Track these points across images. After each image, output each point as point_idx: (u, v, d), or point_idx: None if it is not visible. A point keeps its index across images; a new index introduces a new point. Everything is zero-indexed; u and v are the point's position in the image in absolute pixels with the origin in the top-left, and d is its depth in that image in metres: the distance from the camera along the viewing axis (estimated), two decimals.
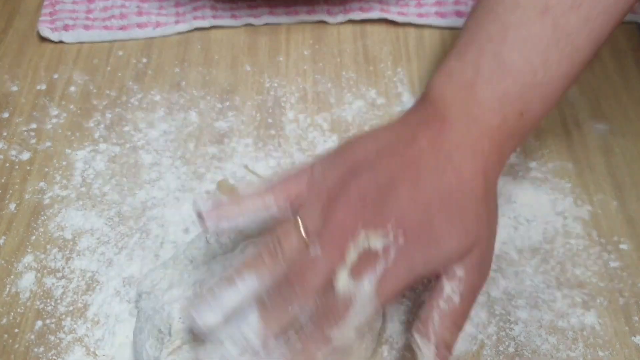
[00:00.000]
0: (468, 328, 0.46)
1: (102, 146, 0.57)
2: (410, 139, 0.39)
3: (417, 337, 0.37)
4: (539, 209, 0.52)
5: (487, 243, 0.40)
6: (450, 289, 0.37)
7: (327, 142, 0.57)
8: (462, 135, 0.40)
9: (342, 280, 0.33)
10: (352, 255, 0.34)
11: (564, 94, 0.43)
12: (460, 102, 0.41)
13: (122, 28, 0.67)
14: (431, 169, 0.38)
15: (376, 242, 0.35)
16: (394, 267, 0.35)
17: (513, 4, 0.41)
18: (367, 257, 0.35)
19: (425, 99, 0.43)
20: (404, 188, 0.37)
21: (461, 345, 0.45)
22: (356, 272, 0.35)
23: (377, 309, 0.35)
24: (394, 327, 0.45)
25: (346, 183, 0.37)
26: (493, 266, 0.49)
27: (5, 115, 0.60)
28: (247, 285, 0.35)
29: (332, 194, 0.37)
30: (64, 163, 0.56)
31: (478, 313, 0.47)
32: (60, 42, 0.66)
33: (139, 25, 0.67)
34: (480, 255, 0.39)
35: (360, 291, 0.34)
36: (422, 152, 0.39)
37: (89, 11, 0.68)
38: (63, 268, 0.50)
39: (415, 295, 0.46)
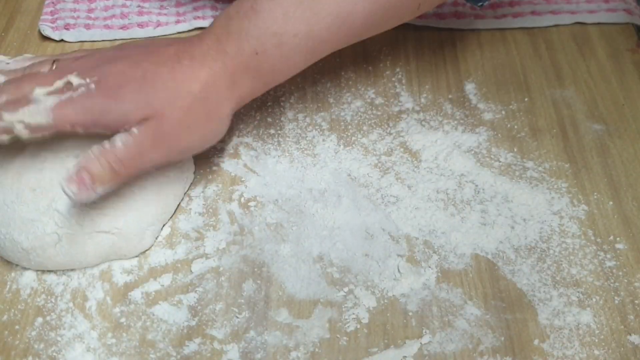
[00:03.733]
0: (464, 325, 0.46)
1: None
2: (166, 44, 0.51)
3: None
4: (535, 209, 0.52)
5: (171, 123, 0.47)
6: (119, 138, 0.46)
7: (326, 142, 0.57)
8: (204, 51, 0.49)
9: (39, 90, 0.47)
10: (58, 83, 0.47)
11: (311, 55, 0.52)
12: (215, 33, 0.50)
13: (123, 27, 0.67)
14: (163, 61, 0.48)
15: (75, 80, 0.47)
16: (77, 98, 0.46)
17: None
18: (66, 88, 0.47)
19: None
20: (125, 58, 0.48)
21: (458, 343, 0.46)
22: (51, 91, 0.47)
23: (48, 122, 0.46)
24: None
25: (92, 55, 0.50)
26: (489, 264, 0.49)
27: None
28: None
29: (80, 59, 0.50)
30: None
31: (474, 311, 0.47)
32: (62, 41, 0.66)
33: (140, 25, 0.67)
34: (157, 127, 0.47)
35: (42, 100, 0.46)
36: (167, 52, 0.49)
37: (90, 10, 0.69)
38: None
39: None
